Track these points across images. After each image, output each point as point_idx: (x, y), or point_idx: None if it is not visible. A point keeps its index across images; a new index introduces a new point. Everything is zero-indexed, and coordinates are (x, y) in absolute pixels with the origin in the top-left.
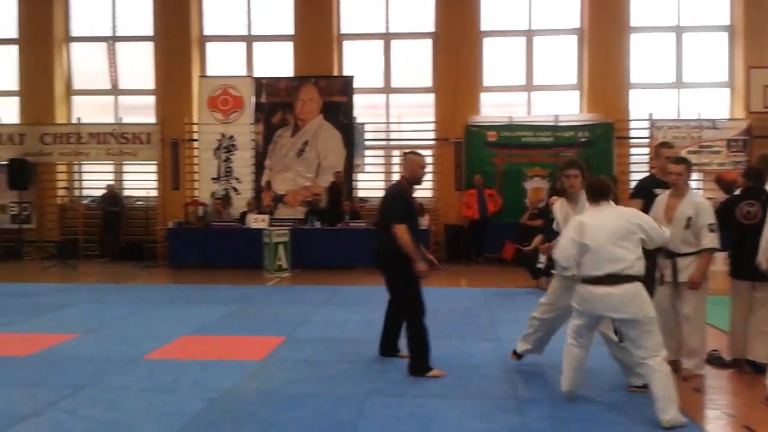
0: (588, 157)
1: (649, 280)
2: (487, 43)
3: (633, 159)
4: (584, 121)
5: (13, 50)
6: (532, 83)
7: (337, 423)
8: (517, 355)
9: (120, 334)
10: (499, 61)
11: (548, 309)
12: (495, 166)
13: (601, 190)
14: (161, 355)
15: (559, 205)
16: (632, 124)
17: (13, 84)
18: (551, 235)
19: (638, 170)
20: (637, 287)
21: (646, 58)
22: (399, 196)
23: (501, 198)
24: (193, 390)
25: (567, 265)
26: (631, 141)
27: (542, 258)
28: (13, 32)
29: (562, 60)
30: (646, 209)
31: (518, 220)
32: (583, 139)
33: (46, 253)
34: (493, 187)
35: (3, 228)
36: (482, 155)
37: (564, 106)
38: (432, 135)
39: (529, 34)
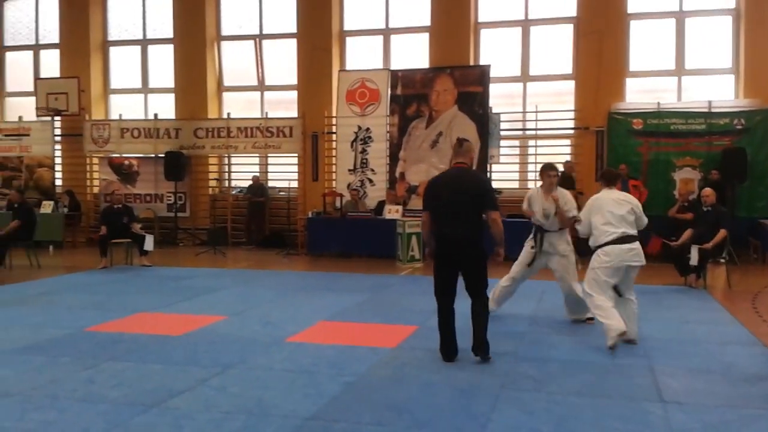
0: (744, 145)
1: None
2: (634, 26)
3: None
4: (740, 107)
5: (169, 49)
6: (683, 67)
7: (470, 413)
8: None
9: (264, 317)
10: (646, 45)
11: None
12: (640, 156)
13: (611, 177)
14: (301, 338)
15: (536, 192)
16: None
17: (169, 81)
18: (702, 228)
19: None
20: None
21: None
22: (490, 183)
23: (646, 189)
24: (331, 373)
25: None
26: None
27: (693, 253)
28: (169, 32)
29: (715, 42)
30: None
31: (666, 213)
32: (739, 127)
33: (198, 239)
34: (638, 178)
35: (160, 216)
36: (626, 144)
37: (718, 92)
38: (571, 124)
39: (680, 16)
